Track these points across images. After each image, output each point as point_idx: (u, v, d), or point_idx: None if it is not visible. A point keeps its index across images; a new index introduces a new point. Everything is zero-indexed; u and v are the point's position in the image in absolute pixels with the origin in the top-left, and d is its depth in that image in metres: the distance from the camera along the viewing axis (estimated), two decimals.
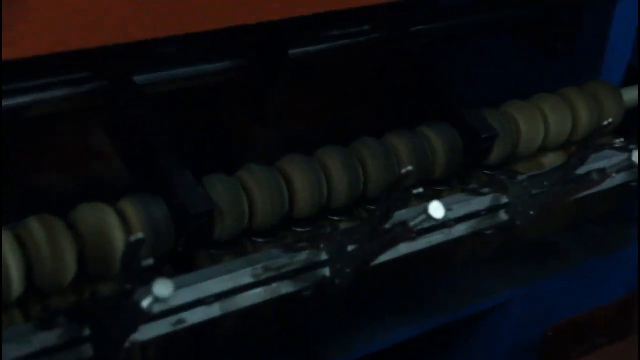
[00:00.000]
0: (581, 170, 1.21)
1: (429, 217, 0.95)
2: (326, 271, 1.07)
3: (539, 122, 1.37)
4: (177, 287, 0.97)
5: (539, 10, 1.52)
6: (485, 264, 1.47)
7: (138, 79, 1.18)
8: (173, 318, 0.98)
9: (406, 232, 0.98)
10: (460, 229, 1.19)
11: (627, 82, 1.53)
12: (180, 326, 0.99)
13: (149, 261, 0.82)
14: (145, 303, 0.81)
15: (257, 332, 1.20)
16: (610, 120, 1.27)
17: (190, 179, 1.07)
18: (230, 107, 1.42)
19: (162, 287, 0.79)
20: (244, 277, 1.02)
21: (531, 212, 1.19)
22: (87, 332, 0.92)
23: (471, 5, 1.49)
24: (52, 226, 0.99)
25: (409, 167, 1.01)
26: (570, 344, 1.54)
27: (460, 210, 1.18)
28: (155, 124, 1.12)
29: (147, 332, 0.96)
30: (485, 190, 1.21)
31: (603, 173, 1.17)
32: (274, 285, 1.04)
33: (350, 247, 1.05)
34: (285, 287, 1.05)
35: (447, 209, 1.16)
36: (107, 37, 0.94)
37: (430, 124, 1.29)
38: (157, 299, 0.80)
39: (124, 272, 0.85)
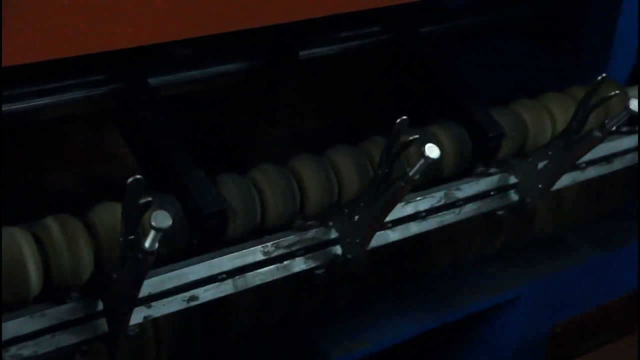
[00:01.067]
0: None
1: (426, 159, 0.93)
2: (338, 249, 1.06)
3: (547, 121, 1.36)
4: (190, 264, 0.98)
5: (546, 10, 1.52)
6: (494, 261, 1.47)
7: (152, 81, 1.19)
8: (186, 295, 0.98)
9: (408, 182, 0.97)
10: (471, 209, 1.19)
11: (633, 81, 1.53)
12: (193, 303, 0.99)
13: (148, 198, 0.80)
14: (147, 242, 0.80)
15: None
16: (615, 92, 1.20)
17: (203, 179, 1.07)
18: (242, 108, 1.42)
19: (161, 219, 0.78)
20: (255, 254, 1.03)
21: (540, 186, 1.18)
22: (100, 306, 0.92)
23: (479, 6, 1.48)
24: (70, 226, 1.00)
25: (416, 135, 0.99)
26: (580, 340, 1.54)
27: (469, 190, 1.18)
28: (169, 125, 1.12)
29: (160, 307, 0.97)
30: (493, 170, 1.20)
31: (604, 129, 1.14)
32: (286, 263, 1.04)
33: (357, 218, 1.04)
34: (297, 265, 1.05)
35: (456, 189, 1.17)
36: (120, 42, 0.95)
37: (439, 122, 1.29)
38: (157, 230, 0.78)
39: (125, 220, 0.84)
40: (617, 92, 1.16)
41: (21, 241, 0.96)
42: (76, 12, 0.90)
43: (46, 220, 1.00)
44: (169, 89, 1.23)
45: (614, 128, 1.13)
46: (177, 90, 1.24)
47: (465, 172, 1.29)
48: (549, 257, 1.54)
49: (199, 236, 1.07)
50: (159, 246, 0.83)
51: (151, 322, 1.07)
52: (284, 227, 1.12)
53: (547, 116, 1.37)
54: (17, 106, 1.12)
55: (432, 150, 0.94)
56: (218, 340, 1.16)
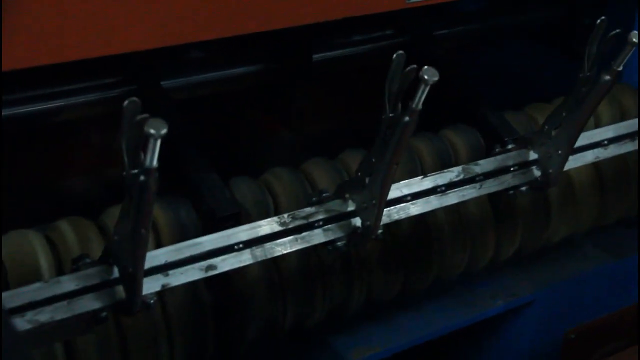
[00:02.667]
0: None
1: (425, 82, 0.91)
2: (357, 221, 1.05)
3: None
4: (206, 234, 0.97)
5: (561, 14, 1.51)
6: (507, 266, 1.46)
7: (165, 84, 1.19)
8: (203, 264, 0.97)
9: (413, 115, 0.94)
10: (492, 184, 1.16)
11: None
12: (211, 272, 0.97)
13: (144, 115, 0.77)
14: (148, 156, 0.77)
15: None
16: (618, 30, 1.14)
17: (217, 182, 1.07)
18: (255, 111, 1.42)
19: (156, 125, 0.75)
20: (272, 224, 1.01)
21: (559, 152, 1.15)
22: (115, 273, 0.91)
23: (493, 9, 1.48)
24: (83, 228, 1.00)
25: (414, 66, 0.94)
26: (593, 347, 1.53)
27: (487, 166, 1.16)
28: (182, 128, 1.12)
29: (177, 276, 0.95)
30: (510, 146, 1.19)
31: (611, 69, 1.09)
32: (305, 234, 1.02)
33: (367, 180, 1.02)
34: (317, 237, 1.04)
35: (474, 164, 1.16)
36: (134, 45, 0.95)
37: (453, 126, 1.29)
38: (155, 137, 0.75)
39: (126, 149, 0.81)
40: (618, 30, 1.11)
41: (34, 244, 0.97)
42: (85, 16, 0.90)
43: (59, 223, 1.00)
44: (182, 92, 1.23)
45: (621, 67, 1.08)
46: (190, 93, 1.24)
47: None
48: (562, 263, 1.52)
49: None
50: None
51: (164, 321, 1.06)
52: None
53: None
54: (31, 108, 1.12)
55: (430, 73, 0.91)
56: (232, 343, 1.16)
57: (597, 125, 1.40)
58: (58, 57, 0.91)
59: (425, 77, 0.90)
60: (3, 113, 1.09)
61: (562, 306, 1.49)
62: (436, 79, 0.90)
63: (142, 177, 0.78)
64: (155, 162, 0.77)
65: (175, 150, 1.10)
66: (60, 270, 0.98)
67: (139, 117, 0.77)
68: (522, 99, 1.39)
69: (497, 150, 1.22)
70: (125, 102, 0.77)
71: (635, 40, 1.07)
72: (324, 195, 1.06)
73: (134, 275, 0.88)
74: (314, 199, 1.06)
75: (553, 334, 1.51)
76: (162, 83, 1.18)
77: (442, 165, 1.24)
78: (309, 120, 1.38)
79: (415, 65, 0.92)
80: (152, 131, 0.74)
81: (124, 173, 0.81)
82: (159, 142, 0.75)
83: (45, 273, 0.96)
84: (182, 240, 1.04)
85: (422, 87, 0.91)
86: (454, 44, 1.45)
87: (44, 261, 0.96)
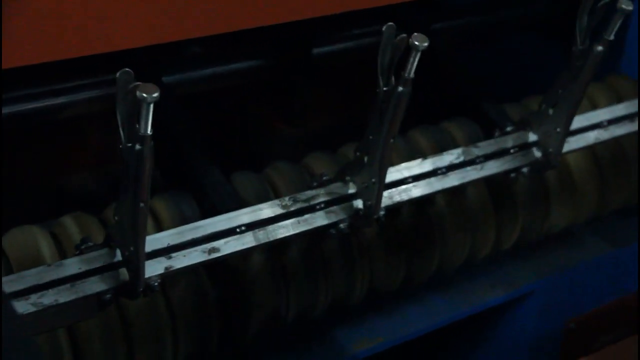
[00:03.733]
0: None
1: (415, 48, 0.90)
2: (359, 203, 1.05)
3: None
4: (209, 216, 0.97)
5: (560, 7, 1.51)
6: (507, 256, 1.46)
7: (166, 79, 1.19)
8: (206, 245, 0.97)
9: (406, 84, 0.93)
10: (493, 165, 1.17)
11: None
12: (214, 255, 0.97)
13: (137, 83, 0.76)
14: (142, 123, 0.76)
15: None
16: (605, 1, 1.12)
17: (218, 177, 1.07)
18: (256, 106, 1.42)
19: (148, 89, 0.75)
20: (273, 207, 1.02)
21: (558, 130, 1.15)
22: (118, 256, 0.91)
23: (493, 3, 1.47)
24: (87, 224, 1.00)
25: (390, 23, 0.94)
26: (594, 336, 1.53)
27: (487, 148, 1.17)
28: (183, 124, 1.12)
29: (180, 258, 0.95)
30: (510, 128, 1.20)
31: (603, 40, 1.08)
32: (307, 216, 1.03)
33: (367, 158, 1.02)
34: (319, 219, 1.04)
35: (474, 146, 1.16)
36: (134, 41, 0.95)
37: (452, 119, 1.29)
38: (148, 102, 0.74)
39: (121, 119, 0.80)
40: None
41: (39, 240, 0.97)
42: (85, 13, 0.90)
43: (63, 219, 1.01)
44: (183, 87, 1.23)
45: (612, 37, 1.08)
46: (191, 88, 1.24)
47: None
48: (562, 253, 1.53)
49: None
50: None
51: (168, 312, 1.06)
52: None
53: None
54: (33, 106, 1.13)
55: (420, 39, 0.90)
56: (235, 335, 1.16)
57: None
58: (58, 54, 0.91)
59: (416, 42, 0.90)
60: (6, 111, 1.10)
61: (562, 296, 1.49)
62: (426, 44, 0.90)
63: (137, 147, 0.78)
64: (149, 129, 0.77)
65: (177, 146, 1.11)
66: None
67: (131, 85, 0.76)
68: (522, 91, 1.39)
69: (496, 134, 1.22)
70: (118, 73, 0.77)
71: (625, 7, 1.05)
72: (324, 178, 1.06)
73: (136, 253, 0.88)
74: (314, 183, 1.07)
75: (553, 324, 1.51)
76: (163, 79, 1.18)
77: None
78: (309, 115, 1.39)
79: (404, 35, 0.91)
80: (144, 95, 0.74)
81: (120, 146, 0.81)
82: (151, 108, 0.75)
83: None
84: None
85: (414, 54, 0.91)
86: (452, 37, 1.45)
87: (49, 257, 0.97)
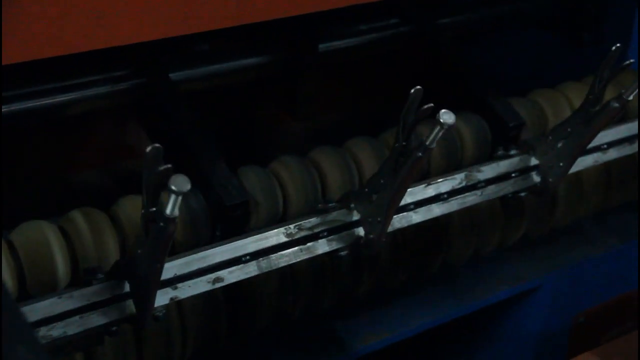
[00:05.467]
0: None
1: (442, 125, 0.91)
2: (360, 230, 1.06)
3: (566, 110, 1.35)
4: (214, 247, 0.99)
5: (567, 2, 1.50)
6: (514, 251, 1.46)
7: (173, 76, 1.19)
8: (210, 276, 0.98)
9: (425, 151, 0.95)
10: (493, 190, 1.17)
11: None
12: (218, 284, 0.99)
13: (167, 166, 0.78)
14: (168, 208, 0.78)
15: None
16: (630, 61, 1.16)
17: (225, 171, 1.07)
18: (262, 102, 1.42)
19: (180, 180, 0.76)
20: (278, 236, 1.02)
21: (561, 164, 1.16)
22: (127, 288, 0.92)
23: None
24: (95, 218, 1.01)
25: (418, 87, 0.96)
26: (602, 329, 1.53)
27: (490, 172, 1.17)
28: (190, 119, 1.13)
29: (185, 289, 0.97)
30: (513, 152, 1.20)
31: (621, 98, 1.10)
32: (309, 245, 1.04)
33: (375, 197, 1.03)
34: (321, 247, 1.05)
35: (477, 171, 1.16)
36: (140, 36, 0.95)
37: (459, 114, 1.28)
38: (177, 194, 0.76)
39: (146, 191, 0.82)
40: (632, 60, 1.13)
41: (48, 234, 0.97)
42: (90, 6, 0.90)
43: (72, 213, 1.01)
44: (190, 83, 1.23)
45: (631, 97, 1.10)
46: (198, 84, 1.25)
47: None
48: (569, 247, 1.52)
49: (222, 227, 1.07)
50: (184, 236, 0.82)
51: (177, 310, 1.06)
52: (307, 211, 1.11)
53: (566, 105, 1.36)
54: (41, 102, 1.13)
55: (447, 116, 0.91)
56: (242, 329, 1.17)
57: (571, 107, 1.39)
58: (63, 49, 0.90)
59: (442, 120, 0.91)
60: (15, 107, 1.10)
61: (570, 290, 1.49)
62: (452, 122, 0.91)
63: (161, 224, 0.80)
64: (176, 213, 0.79)
65: (184, 141, 1.11)
66: (73, 259, 0.99)
67: (162, 167, 0.78)
68: (527, 85, 1.38)
69: (499, 153, 1.22)
70: (148, 148, 0.78)
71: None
72: (329, 205, 1.06)
73: (146, 297, 0.91)
74: (319, 205, 1.08)
75: (561, 318, 1.51)
76: (170, 75, 1.18)
77: (448, 151, 1.24)
78: (315, 110, 1.38)
79: (432, 105, 0.93)
80: (174, 188, 0.76)
81: (143, 210, 0.83)
82: (180, 198, 0.77)
83: (59, 262, 0.97)
84: (193, 229, 1.05)
85: (438, 129, 0.92)
86: (458, 32, 1.45)
87: (58, 251, 0.97)
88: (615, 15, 1.50)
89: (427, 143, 0.94)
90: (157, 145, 0.78)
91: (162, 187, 0.79)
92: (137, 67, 1.17)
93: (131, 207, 1.03)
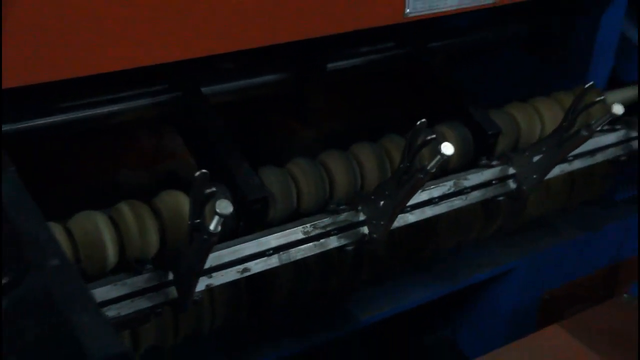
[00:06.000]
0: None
1: (442, 155, 0.93)
2: (365, 229, 1.07)
3: (536, 121, 1.35)
4: (243, 242, 0.99)
5: (536, 26, 1.50)
6: (491, 240, 1.46)
7: (205, 90, 1.19)
8: (239, 267, 0.99)
9: (425, 174, 0.96)
10: (476, 195, 1.18)
11: (611, 86, 1.51)
12: (245, 274, 1.00)
13: (212, 189, 0.80)
14: (212, 225, 0.80)
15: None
16: (602, 97, 1.22)
17: (248, 171, 1.08)
18: (279, 113, 1.43)
19: (224, 205, 0.78)
20: (297, 234, 1.03)
21: (534, 176, 1.17)
22: (170, 277, 0.93)
23: (479, 24, 1.47)
24: (139, 209, 1.01)
25: (423, 120, 0.98)
26: (565, 306, 1.53)
27: (475, 180, 1.18)
28: (219, 127, 1.13)
29: (218, 278, 0.98)
30: (495, 162, 1.20)
31: (590, 128, 1.13)
32: (322, 241, 1.05)
33: (382, 203, 1.04)
34: (331, 243, 1.06)
35: (464, 179, 1.17)
36: (175, 55, 0.95)
37: (446, 123, 1.29)
38: (220, 216, 0.78)
39: (193, 207, 0.84)
40: (602, 97, 1.16)
41: (100, 222, 0.98)
42: (132, 30, 0.90)
43: (120, 205, 1.02)
44: (219, 96, 1.24)
45: (598, 128, 1.13)
46: (225, 97, 1.25)
47: (468, 164, 1.28)
48: (538, 237, 1.53)
49: (245, 219, 1.08)
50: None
51: (208, 291, 1.08)
52: (320, 211, 1.12)
53: (536, 116, 1.36)
54: (92, 112, 1.13)
55: (447, 148, 0.94)
56: (262, 306, 1.17)
57: (540, 118, 1.39)
58: (106, 67, 0.90)
59: (442, 151, 0.94)
60: (72, 116, 1.11)
61: (538, 273, 1.50)
62: (450, 153, 0.94)
63: (205, 237, 0.81)
64: (218, 229, 0.80)
65: (213, 145, 1.11)
66: (120, 243, 1.00)
67: (209, 190, 0.80)
68: (504, 98, 1.39)
69: (483, 162, 1.23)
70: (197, 174, 0.80)
71: (616, 112, 1.11)
72: (340, 207, 1.07)
73: (187, 287, 0.92)
74: (331, 206, 1.09)
75: (531, 296, 1.52)
76: (202, 89, 1.19)
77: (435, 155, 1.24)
78: (324, 120, 1.39)
79: (434, 135, 0.96)
80: (218, 210, 0.78)
81: (189, 221, 0.85)
82: (222, 219, 0.79)
83: (108, 246, 0.97)
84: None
85: (439, 158, 0.94)
86: (445, 54, 1.45)
87: (108, 236, 0.97)
88: (578, 40, 1.49)
89: (429, 168, 0.96)
90: (204, 171, 0.81)
91: (206, 203, 0.81)
92: (174, 82, 1.17)
93: (169, 200, 1.03)
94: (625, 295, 1.39)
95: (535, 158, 1.18)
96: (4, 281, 0.54)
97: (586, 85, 1.14)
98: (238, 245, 0.99)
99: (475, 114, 1.28)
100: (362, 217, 1.06)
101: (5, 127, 1.04)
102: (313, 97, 1.32)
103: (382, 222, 1.03)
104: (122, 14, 0.87)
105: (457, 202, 1.16)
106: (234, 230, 1.08)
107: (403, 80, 1.40)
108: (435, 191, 1.15)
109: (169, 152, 1.34)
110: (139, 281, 0.93)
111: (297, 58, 1.28)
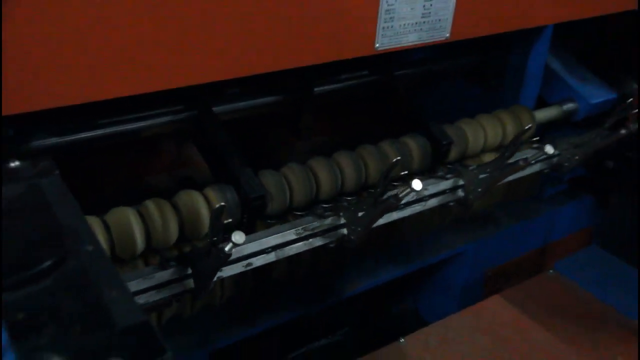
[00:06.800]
0: (512, 160, 1.19)
1: (412, 189, 0.94)
2: (344, 231, 1.05)
3: (480, 133, 1.35)
4: (247, 242, 0.97)
5: (480, 60, 1.50)
6: (446, 228, 1.45)
7: (216, 109, 1.18)
8: (244, 262, 0.98)
9: (397, 201, 0.97)
10: (432, 202, 1.17)
11: (537, 106, 1.51)
12: (248, 267, 0.98)
13: (229, 220, 0.82)
14: (227, 248, 0.81)
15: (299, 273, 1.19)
16: (529, 125, 1.23)
17: (249, 174, 1.06)
18: (275, 127, 1.41)
19: (238, 236, 0.81)
20: (291, 235, 1.01)
21: (479, 190, 1.17)
22: (189, 271, 0.91)
23: (435, 57, 1.47)
24: (162, 205, 0.99)
25: (398, 157, 1.01)
26: (505, 281, 1.52)
27: (433, 189, 1.17)
28: (226, 139, 1.11)
29: (227, 271, 0.96)
30: (449, 176, 1.19)
31: (525, 160, 1.16)
32: (310, 240, 1.03)
33: (360, 214, 1.03)
34: (317, 242, 1.04)
35: (424, 188, 1.16)
36: (191, 80, 0.93)
37: (409, 135, 1.28)
38: (234, 245, 0.80)
39: (212, 229, 0.84)
40: (537, 138, 1.21)
41: (130, 216, 0.96)
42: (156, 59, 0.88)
43: (147, 202, 1.00)
44: (227, 115, 1.22)
45: (532, 162, 1.18)
46: (232, 115, 1.23)
47: (428, 166, 1.27)
48: (482, 226, 1.52)
49: (248, 213, 1.06)
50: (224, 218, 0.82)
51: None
52: (308, 206, 1.10)
53: (481, 129, 1.35)
54: (124, 128, 1.12)
55: (417, 185, 0.96)
56: (263, 284, 1.15)
57: (504, 133, 1.38)
58: (137, 89, 0.89)
59: (413, 185, 0.96)
60: (107, 131, 1.08)
61: (483, 254, 1.49)
62: (419, 189, 0.97)
63: (221, 255, 0.83)
64: (231, 253, 0.83)
65: (222, 153, 1.10)
66: (147, 232, 0.97)
67: (226, 221, 0.82)
68: (456, 115, 1.38)
69: (439, 174, 1.21)
70: (216, 206, 0.83)
71: (548, 151, 1.17)
72: (326, 213, 1.06)
73: (204, 282, 0.90)
74: (319, 211, 1.07)
75: (477, 273, 1.51)
76: (213, 109, 1.17)
77: (402, 162, 1.23)
78: (312, 133, 1.37)
79: (407, 172, 1.00)
80: (234, 240, 0.81)
81: (208, 239, 0.86)
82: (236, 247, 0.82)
83: (137, 235, 0.96)
84: (229, 213, 1.03)
85: (409, 190, 0.97)
86: (410, 81, 1.44)
87: (136, 227, 0.96)
88: (512, 70, 1.50)
89: (400, 196, 0.97)
90: (223, 204, 0.84)
91: (222, 226, 0.83)
92: (190, 104, 1.15)
93: (186, 198, 1.02)
94: (550, 271, 1.39)
95: (481, 175, 1.18)
96: (48, 263, 0.52)
97: (526, 127, 1.17)
98: (243, 245, 0.97)
99: (432, 127, 1.27)
100: (343, 221, 1.05)
101: (54, 140, 1.02)
102: (304, 115, 1.30)
103: (359, 229, 1.02)
104: (152, 49, 0.86)
105: (418, 207, 1.15)
106: (239, 221, 1.06)
107: (375, 102, 1.39)
108: (403, 200, 1.13)
109: (186, 160, 1.32)
110: (164, 275, 0.91)
111: (291, 84, 1.26)
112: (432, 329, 1.18)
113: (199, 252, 0.88)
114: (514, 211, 1.56)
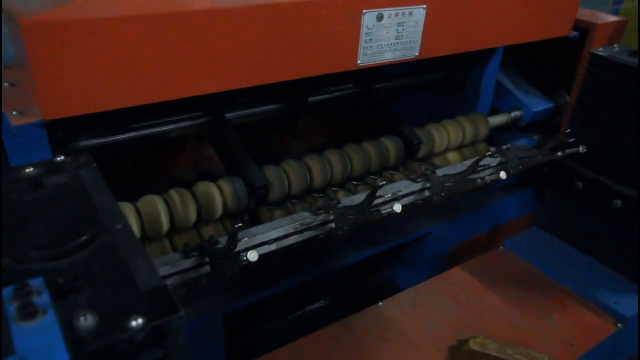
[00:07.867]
0: (473, 176, 1.21)
1: (394, 210, 0.98)
2: (333, 225, 1.04)
3: (444, 134, 1.35)
4: (252, 234, 0.97)
5: (445, 75, 1.50)
6: (417, 213, 1.45)
7: (228, 115, 1.17)
8: (250, 252, 0.95)
9: (379, 215, 0.99)
10: (405, 201, 1.17)
11: (491, 113, 1.51)
12: (254, 259, 0.96)
13: (245, 238, 0.83)
14: (244, 258, 0.83)
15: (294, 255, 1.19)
16: (489, 153, 1.24)
17: (255, 168, 1.06)
18: (276, 130, 1.41)
19: (252, 256, 0.84)
20: (289, 228, 1.01)
21: (442, 194, 1.17)
22: (207, 259, 0.91)
23: (408, 72, 1.47)
24: (183, 193, 0.99)
25: (384, 182, 1.00)
26: (464, 255, 1.53)
27: (405, 190, 1.17)
28: (236, 140, 1.11)
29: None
30: (418, 180, 1.19)
31: (483, 179, 1.17)
32: (305, 233, 1.03)
33: (349, 217, 1.02)
34: (310, 234, 1.04)
35: (399, 190, 1.15)
36: (205, 89, 0.93)
37: (386, 136, 1.28)
38: (249, 261, 0.83)
39: (230, 240, 0.84)
40: (498, 159, 1.18)
41: (157, 202, 0.96)
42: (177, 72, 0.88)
43: (171, 191, 0.99)
44: (237, 119, 1.21)
45: (490, 180, 1.19)
46: (241, 120, 1.23)
47: (401, 163, 1.27)
48: (447, 211, 1.52)
49: (253, 200, 1.06)
50: (232, 205, 0.81)
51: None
52: (303, 195, 1.10)
53: (445, 132, 1.35)
54: (152, 130, 1.11)
55: (397, 207, 0.98)
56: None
57: (464, 135, 1.38)
58: (163, 97, 0.89)
59: (394, 207, 0.98)
60: (139, 133, 1.08)
61: (447, 234, 1.49)
62: (399, 211, 0.99)
63: (234, 267, 0.83)
64: (243, 263, 0.83)
65: (233, 152, 1.09)
66: (171, 216, 0.97)
67: (236, 251, 0.83)
68: (425, 120, 1.38)
69: (411, 177, 1.21)
70: (235, 225, 0.83)
71: (502, 177, 1.16)
72: (318, 210, 1.05)
73: (220, 274, 0.90)
74: (312, 208, 1.06)
75: (442, 249, 1.51)
76: (226, 115, 1.16)
77: (381, 158, 1.23)
78: (307, 135, 1.37)
79: (390, 195, 0.99)
80: (249, 258, 0.83)
81: (224, 246, 0.86)
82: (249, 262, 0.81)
83: (163, 218, 0.95)
84: (237, 200, 1.03)
85: (391, 210, 0.98)
86: (388, 92, 1.44)
87: (162, 211, 0.96)
88: (470, 84, 1.50)
89: (383, 211, 0.97)
90: (240, 224, 0.84)
91: (236, 242, 0.84)
92: (207, 110, 1.15)
93: (203, 188, 1.02)
94: (501, 247, 1.40)
95: (446, 184, 1.18)
96: (85, 237, 0.52)
97: (487, 154, 1.19)
98: (248, 239, 0.97)
99: (405, 130, 1.28)
100: (332, 218, 1.04)
101: (94, 141, 1.02)
102: (300, 120, 1.30)
103: (345, 227, 1.02)
104: (176, 65, 0.87)
105: (396, 207, 1.14)
106: (246, 207, 1.06)
107: (359, 109, 1.38)
108: (379, 199, 1.13)
109: (204, 157, 1.32)
110: (186, 263, 0.90)
111: (289, 94, 1.26)
112: (405, 294, 1.19)
113: (218, 254, 0.88)
114: (472, 199, 1.56)
